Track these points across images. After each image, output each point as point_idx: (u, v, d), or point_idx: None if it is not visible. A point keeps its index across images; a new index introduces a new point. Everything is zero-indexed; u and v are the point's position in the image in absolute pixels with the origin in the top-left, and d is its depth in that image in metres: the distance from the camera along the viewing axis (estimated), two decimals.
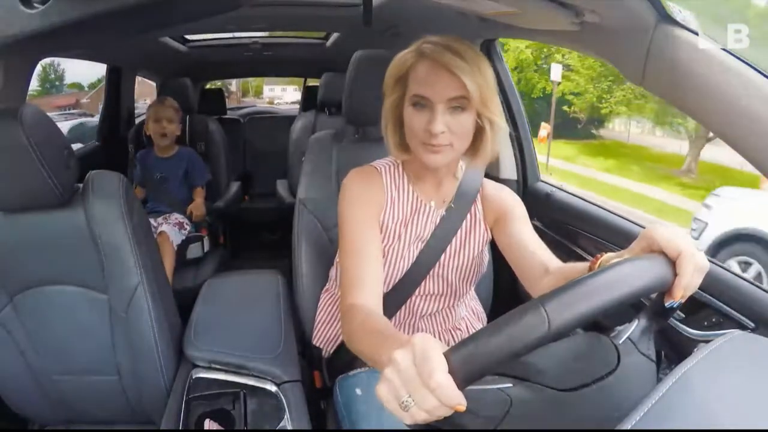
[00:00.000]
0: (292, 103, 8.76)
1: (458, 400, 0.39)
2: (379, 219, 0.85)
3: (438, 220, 0.87)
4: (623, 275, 0.47)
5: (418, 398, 0.39)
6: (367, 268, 0.78)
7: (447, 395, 0.38)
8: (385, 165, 0.89)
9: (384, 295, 0.86)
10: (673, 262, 0.50)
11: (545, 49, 9.28)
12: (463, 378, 0.40)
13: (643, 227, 0.99)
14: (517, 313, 0.42)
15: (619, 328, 0.54)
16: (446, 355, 0.40)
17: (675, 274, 0.50)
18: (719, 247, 3.31)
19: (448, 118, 0.73)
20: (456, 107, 0.73)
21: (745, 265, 3.21)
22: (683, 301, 0.51)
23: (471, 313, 1.02)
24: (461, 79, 0.70)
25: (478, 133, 0.77)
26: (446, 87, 0.71)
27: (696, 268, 0.50)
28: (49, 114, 0.93)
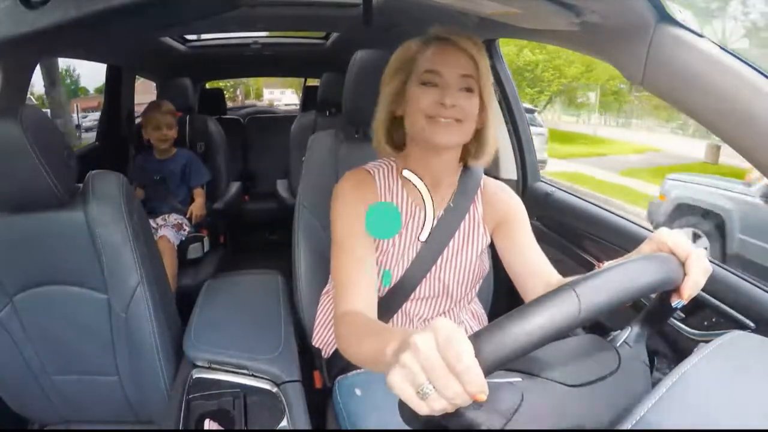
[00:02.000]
0: (289, 105, 9.61)
1: (483, 387, 0.37)
2: None
3: (434, 223, 0.86)
4: (646, 266, 0.49)
5: (439, 384, 0.37)
6: (360, 275, 0.77)
7: (473, 380, 0.36)
8: (379, 167, 0.87)
9: (379, 299, 0.84)
10: (681, 263, 0.52)
11: None
12: (489, 364, 0.38)
13: (643, 227, 1.00)
14: (547, 297, 0.41)
15: (614, 332, 0.56)
16: (472, 339, 0.38)
17: (684, 274, 0.51)
18: None
19: (459, 96, 0.74)
20: (464, 88, 0.75)
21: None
22: (686, 301, 0.52)
23: (471, 317, 1.00)
24: (472, 56, 0.74)
25: (480, 127, 0.79)
26: (459, 63, 0.74)
27: (702, 270, 0.52)
28: None
